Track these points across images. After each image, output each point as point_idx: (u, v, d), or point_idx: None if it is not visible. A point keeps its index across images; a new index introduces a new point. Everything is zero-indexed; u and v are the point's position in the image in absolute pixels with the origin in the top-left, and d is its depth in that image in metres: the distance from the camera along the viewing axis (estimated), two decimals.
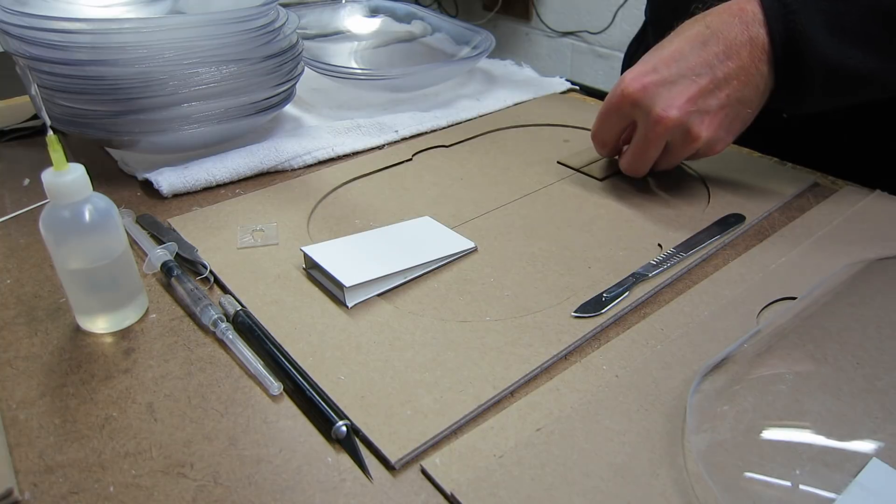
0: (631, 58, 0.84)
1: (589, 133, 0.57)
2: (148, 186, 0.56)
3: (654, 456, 0.31)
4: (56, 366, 0.37)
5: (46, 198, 0.36)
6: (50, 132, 0.35)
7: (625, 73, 0.50)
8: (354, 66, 0.83)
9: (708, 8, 0.50)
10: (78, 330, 0.40)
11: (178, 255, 0.45)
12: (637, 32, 0.86)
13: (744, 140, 0.55)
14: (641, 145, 0.51)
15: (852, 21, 0.46)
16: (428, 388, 0.35)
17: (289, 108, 0.71)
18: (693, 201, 0.53)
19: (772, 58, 0.47)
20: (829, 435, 0.31)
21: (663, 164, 0.53)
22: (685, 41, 0.49)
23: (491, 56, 0.81)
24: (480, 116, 0.70)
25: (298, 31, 0.64)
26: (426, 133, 0.67)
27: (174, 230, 0.49)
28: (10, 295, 0.43)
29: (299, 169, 0.60)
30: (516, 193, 0.55)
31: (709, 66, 0.48)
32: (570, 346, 0.38)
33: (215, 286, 0.44)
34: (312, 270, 0.44)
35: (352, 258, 0.44)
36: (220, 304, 0.41)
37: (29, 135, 0.66)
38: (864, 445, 0.31)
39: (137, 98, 0.53)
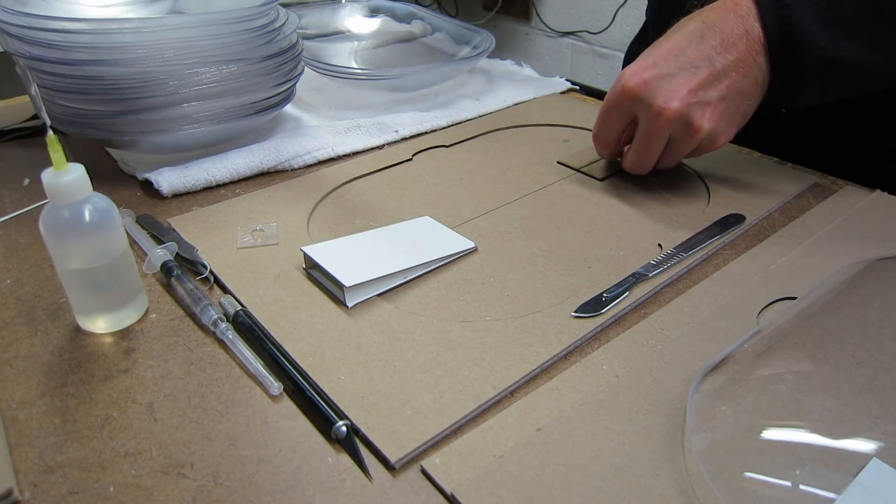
0: (632, 57, 0.84)
1: (589, 133, 0.57)
2: (148, 186, 0.56)
3: (654, 456, 0.31)
4: (56, 366, 0.37)
5: (46, 198, 0.36)
6: (50, 132, 0.35)
7: (624, 70, 0.51)
8: (354, 66, 0.83)
9: (703, 5, 0.50)
10: (78, 330, 0.40)
11: (177, 255, 0.45)
12: (638, 32, 0.86)
13: (744, 140, 0.55)
14: (645, 139, 0.51)
15: (845, 14, 0.47)
16: (428, 388, 0.35)
17: (289, 108, 0.71)
18: (693, 201, 0.53)
19: (767, 51, 0.48)
20: (829, 435, 0.31)
21: (666, 160, 0.53)
22: (683, 36, 0.49)
23: (491, 56, 0.81)
24: (480, 116, 0.70)
25: (298, 31, 0.64)
26: (426, 133, 0.67)
27: (174, 230, 0.49)
28: (10, 295, 0.43)
29: (299, 169, 0.60)
30: (516, 193, 0.55)
31: (707, 59, 0.48)
32: (570, 346, 0.38)
33: (215, 286, 0.44)
34: (312, 270, 0.44)
35: (352, 258, 0.44)
36: (220, 304, 0.41)
37: (29, 135, 0.66)
38: (864, 445, 0.31)
39: (137, 98, 0.53)
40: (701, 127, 0.48)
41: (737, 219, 0.50)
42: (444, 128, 0.68)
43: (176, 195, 0.55)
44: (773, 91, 0.50)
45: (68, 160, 0.36)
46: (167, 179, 0.55)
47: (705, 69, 0.48)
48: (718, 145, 0.51)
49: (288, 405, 0.34)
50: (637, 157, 0.53)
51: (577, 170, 0.59)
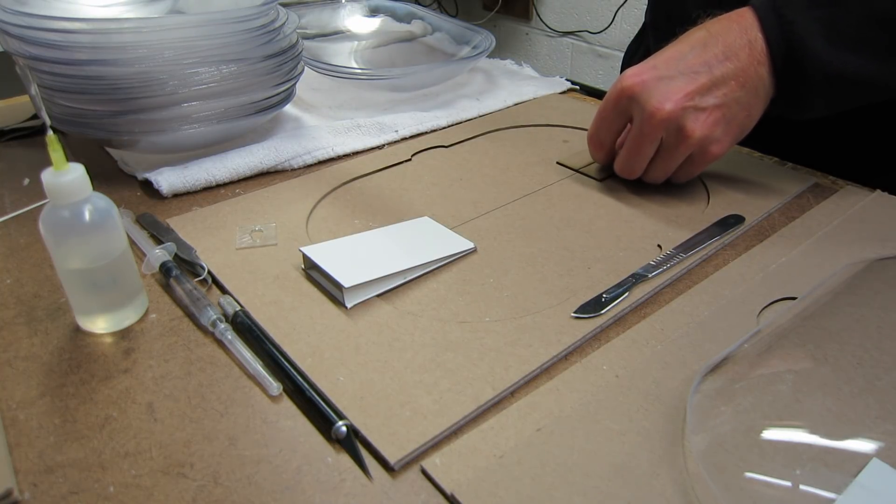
0: (632, 57, 0.84)
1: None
2: (148, 186, 0.56)
3: (654, 456, 0.31)
4: (56, 366, 0.37)
5: (46, 198, 0.36)
6: (50, 132, 0.35)
7: (624, 71, 0.51)
8: (354, 66, 0.83)
9: (710, 15, 0.51)
10: (78, 330, 0.40)
11: (176, 255, 0.45)
12: (637, 33, 0.86)
13: (744, 140, 0.55)
14: (636, 140, 0.51)
15: (849, 27, 0.46)
16: (427, 388, 0.35)
17: (289, 108, 0.71)
18: (693, 201, 0.53)
19: (771, 65, 0.48)
20: (829, 435, 0.31)
21: (656, 169, 0.52)
22: (686, 44, 0.50)
23: (491, 56, 0.81)
24: (480, 116, 0.70)
25: (298, 30, 0.64)
26: (426, 133, 0.67)
27: (173, 230, 0.49)
28: (10, 295, 0.43)
29: (299, 169, 0.60)
30: (516, 193, 0.55)
31: (707, 66, 0.48)
32: (569, 346, 0.38)
33: (214, 286, 0.44)
34: (311, 271, 0.44)
35: (351, 259, 0.44)
36: (219, 304, 0.41)
37: (29, 135, 0.66)
38: (864, 445, 0.31)
39: (137, 98, 0.53)
40: (693, 132, 0.48)
41: (736, 219, 0.50)
42: (444, 128, 0.68)
43: (176, 195, 0.55)
44: (778, 105, 0.50)
45: (68, 160, 0.36)
46: (167, 179, 0.55)
47: (704, 75, 0.48)
48: (712, 155, 0.50)
49: (288, 405, 0.34)
50: (627, 159, 0.53)
51: (577, 170, 0.59)
